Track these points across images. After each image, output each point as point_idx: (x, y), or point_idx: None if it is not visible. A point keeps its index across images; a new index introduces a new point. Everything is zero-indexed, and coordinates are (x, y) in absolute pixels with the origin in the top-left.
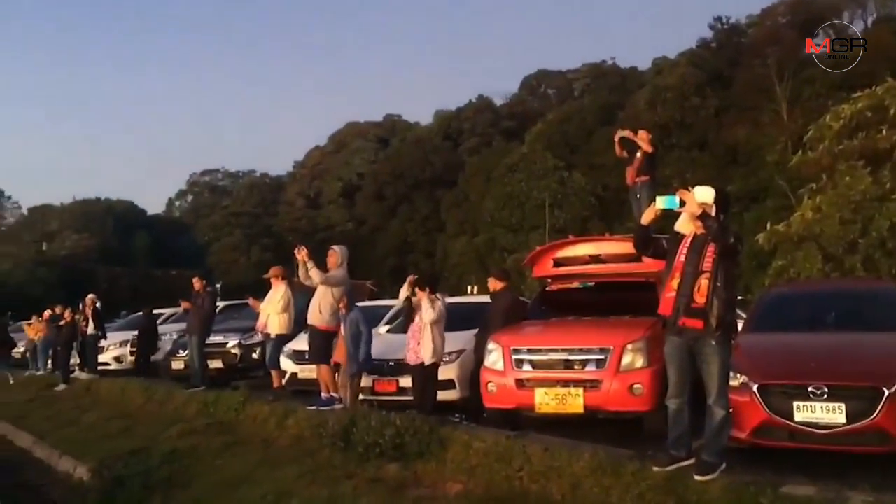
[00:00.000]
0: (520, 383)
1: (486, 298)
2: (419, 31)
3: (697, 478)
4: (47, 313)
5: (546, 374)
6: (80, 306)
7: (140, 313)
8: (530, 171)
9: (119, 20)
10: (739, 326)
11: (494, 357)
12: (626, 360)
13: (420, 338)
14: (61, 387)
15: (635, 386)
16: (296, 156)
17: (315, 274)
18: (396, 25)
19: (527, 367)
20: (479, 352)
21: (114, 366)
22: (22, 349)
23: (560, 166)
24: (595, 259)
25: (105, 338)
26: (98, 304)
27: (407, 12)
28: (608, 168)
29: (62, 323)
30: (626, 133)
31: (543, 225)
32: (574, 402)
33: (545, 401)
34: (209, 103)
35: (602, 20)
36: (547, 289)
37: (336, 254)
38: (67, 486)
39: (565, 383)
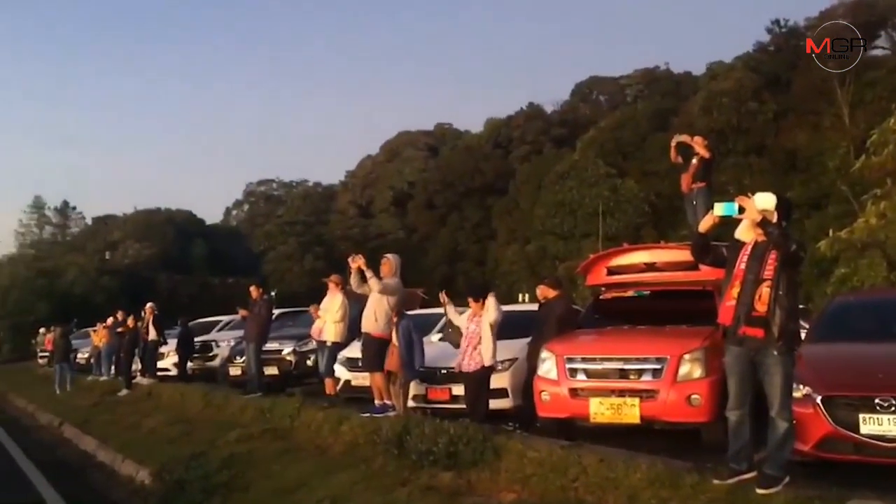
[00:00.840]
0: (574, 392)
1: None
2: (470, 39)
3: (760, 491)
4: (110, 320)
5: (601, 383)
6: (141, 313)
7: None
8: (582, 178)
9: (178, 33)
10: (803, 336)
11: (548, 366)
12: (684, 370)
13: (475, 343)
14: (123, 392)
15: (693, 396)
16: (348, 165)
17: (373, 282)
18: (447, 34)
19: (581, 377)
20: (532, 360)
21: (173, 371)
22: (86, 355)
23: (612, 173)
24: (650, 267)
25: (166, 343)
26: (156, 312)
27: (457, 21)
28: (662, 175)
29: (123, 329)
30: (683, 138)
31: (595, 233)
32: (630, 412)
33: (600, 410)
34: (264, 114)
35: (655, 25)
36: (600, 297)
37: (390, 262)
38: (130, 490)
39: (620, 393)
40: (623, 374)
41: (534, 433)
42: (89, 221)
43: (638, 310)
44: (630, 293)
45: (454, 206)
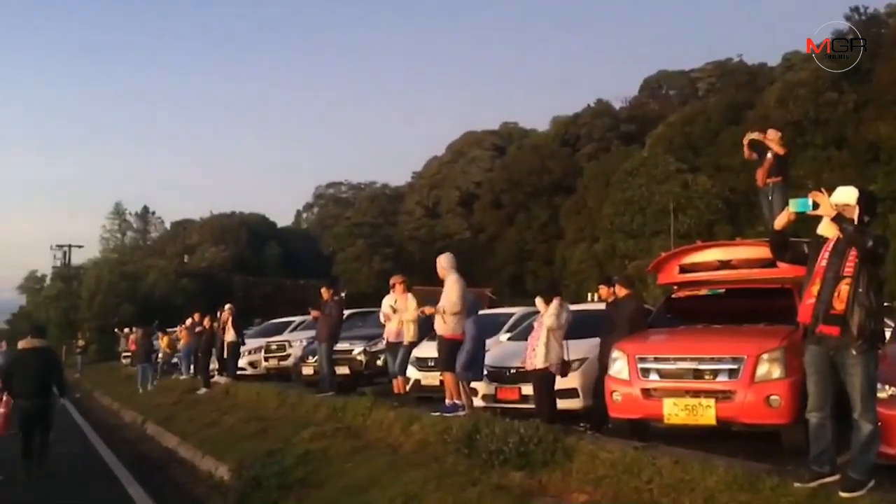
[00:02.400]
0: (646, 393)
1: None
2: (535, 37)
3: (843, 495)
4: (189, 321)
5: (675, 383)
6: (218, 314)
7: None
8: (651, 175)
9: (250, 40)
10: (888, 335)
11: (619, 366)
12: (762, 370)
13: (537, 343)
14: (202, 391)
15: (772, 398)
16: (415, 166)
17: (448, 317)
18: (513, 32)
19: (654, 377)
20: (603, 360)
21: (249, 371)
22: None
23: (683, 169)
24: (725, 265)
25: (244, 344)
26: (234, 313)
27: (524, 19)
28: (735, 170)
29: (200, 330)
30: (755, 135)
31: (666, 230)
32: (705, 413)
33: (674, 411)
34: (333, 117)
35: (726, 16)
36: (672, 296)
37: (442, 263)
38: (209, 485)
39: (695, 394)
40: (698, 374)
41: (605, 434)
42: (168, 226)
43: (712, 308)
44: (704, 291)
45: (521, 206)
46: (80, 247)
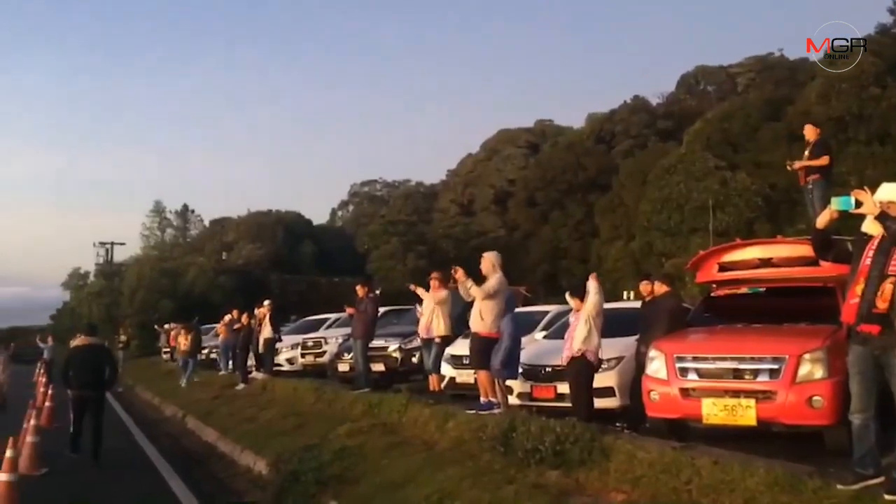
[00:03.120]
0: (685, 392)
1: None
2: (570, 33)
3: (888, 497)
4: (227, 318)
5: (714, 383)
6: (255, 311)
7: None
8: (689, 172)
9: (285, 38)
10: None
11: (657, 365)
12: (804, 370)
13: (573, 332)
14: (241, 386)
15: (814, 398)
16: (449, 164)
17: (475, 290)
18: (547, 29)
19: (692, 376)
20: (640, 359)
21: (286, 367)
22: (206, 350)
23: (722, 166)
24: (766, 263)
25: (280, 340)
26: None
27: (558, 15)
28: (775, 166)
29: (238, 326)
30: (797, 166)
31: (704, 228)
32: (745, 413)
33: (713, 412)
34: (368, 115)
35: (766, 10)
36: (711, 294)
37: (488, 260)
38: (248, 479)
39: (735, 393)
40: (737, 374)
41: (643, 433)
42: (207, 224)
43: (752, 307)
44: (743, 290)
45: (556, 204)
46: (122, 244)
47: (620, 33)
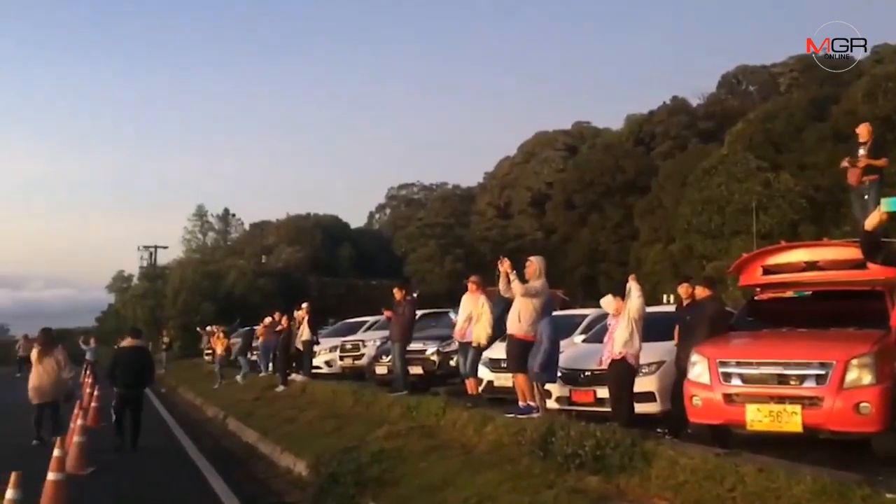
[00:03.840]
0: (728, 398)
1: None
2: (609, 34)
3: None
4: (268, 320)
5: (758, 389)
6: (294, 313)
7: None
8: (730, 173)
9: (323, 42)
10: None
11: (699, 370)
12: (852, 375)
13: (614, 334)
14: (280, 388)
15: (862, 405)
16: (486, 167)
17: (516, 285)
18: (585, 30)
19: (736, 381)
20: (681, 363)
21: (325, 369)
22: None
23: (764, 167)
24: (811, 266)
25: (318, 343)
26: (310, 312)
27: (596, 16)
28: (820, 167)
29: (279, 329)
30: (861, 164)
31: (745, 230)
32: (791, 420)
33: (757, 418)
34: (405, 119)
35: (810, 9)
36: (755, 298)
37: (534, 264)
38: (288, 480)
39: (780, 399)
40: (783, 379)
41: (684, 439)
42: (247, 227)
43: (797, 311)
44: (789, 294)
45: (594, 206)
46: (164, 247)
47: (659, 33)
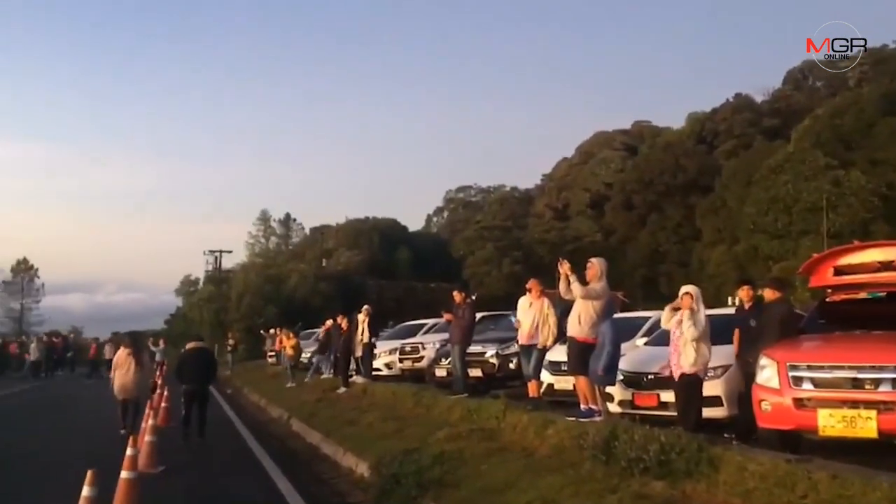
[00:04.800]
0: (799, 403)
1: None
2: (668, 31)
3: None
4: (329, 323)
5: (831, 393)
6: (354, 316)
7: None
8: (797, 171)
9: (381, 47)
10: None
11: (768, 373)
12: None
13: (681, 349)
14: (342, 390)
15: None
16: (544, 168)
17: (577, 287)
18: (644, 28)
19: (807, 386)
20: (748, 367)
21: (385, 371)
22: (307, 354)
23: (834, 165)
24: (886, 266)
25: (375, 346)
26: (370, 314)
27: (655, 14)
28: (893, 163)
29: (341, 331)
30: None
31: (814, 230)
32: (865, 425)
33: (830, 423)
34: (462, 121)
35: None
36: (826, 300)
37: (595, 266)
38: (350, 481)
39: (854, 404)
40: (856, 383)
41: (752, 445)
42: (307, 231)
43: (871, 313)
44: (862, 295)
45: (654, 206)
46: (229, 252)
47: (721, 29)
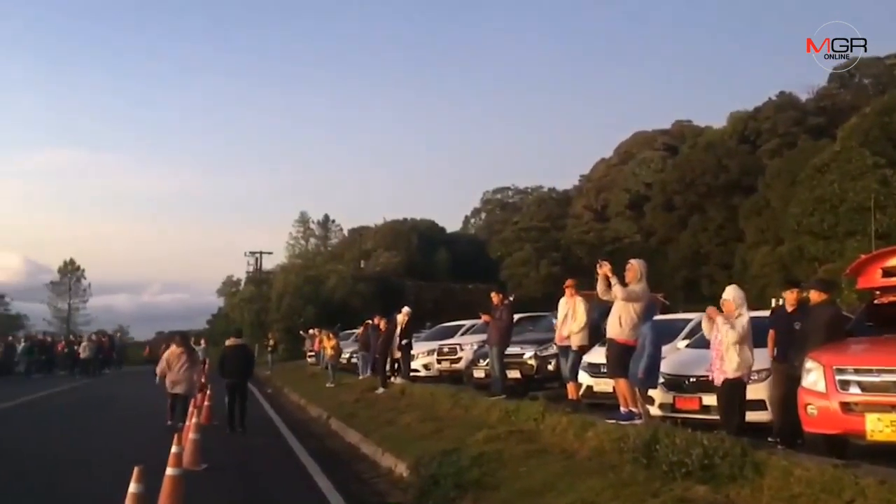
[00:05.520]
0: (846, 407)
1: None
2: (710, 28)
3: None
4: (367, 324)
5: (879, 397)
6: (393, 317)
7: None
8: (844, 171)
9: (418, 50)
10: None
11: (814, 377)
12: None
13: (722, 354)
14: (380, 390)
15: None
16: (582, 169)
17: (617, 289)
18: (685, 25)
19: (854, 389)
20: (794, 370)
21: (423, 372)
22: (347, 355)
23: (881, 164)
24: None
25: (412, 347)
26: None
27: (695, 10)
28: None
29: (379, 332)
30: None
31: (861, 230)
32: None
33: (878, 428)
34: (499, 122)
35: None
36: (874, 302)
37: (634, 268)
38: (390, 481)
39: None
40: None
41: (798, 449)
42: (346, 232)
43: None
44: None
45: (695, 207)
46: (269, 253)
47: (763, 26)
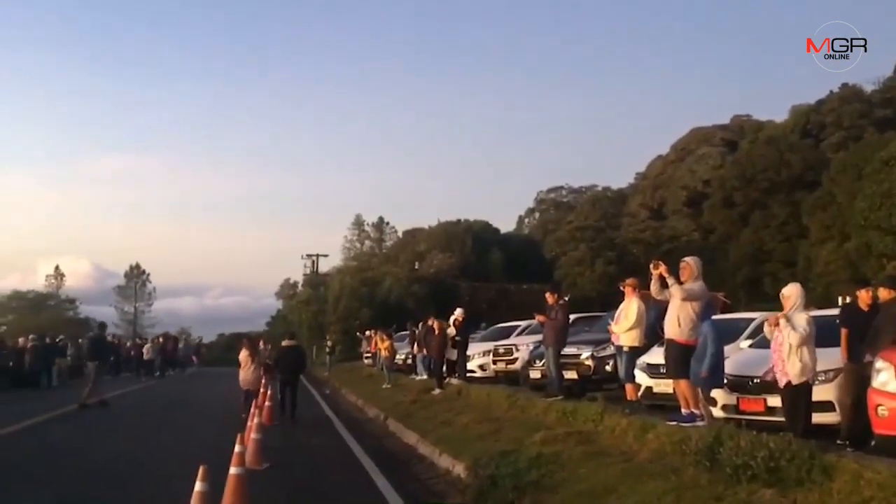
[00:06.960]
0: None
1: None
2: (769, 21)
3: None
4: (414, 324)
5: None
6: (451, 318)
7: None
8: None
9: (473, 50)
10: None
11: (885, 377)
12: None
13: (784, 356)
14: (436, 391)
15: None
16: (637, 167)
17: (675, 288)
18: (743, 18)
19: None
20: (864, 370)
21: (479, 373)
22: (403, 356)
23: None
24: None
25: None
26: (464, 317)
27: (754, 4)
28: None
29: (434, 334)
30: None
31: None
32: None
33: None
34: (553, 121)
35: None
36: None
37: (690, 266)
38: (447, 481)
39: None
40: None
41: (868, 452)
42: (400, 234)
43: None
44: None
45: (756, 204)
46: (325, 256)
47: (828, 17)
